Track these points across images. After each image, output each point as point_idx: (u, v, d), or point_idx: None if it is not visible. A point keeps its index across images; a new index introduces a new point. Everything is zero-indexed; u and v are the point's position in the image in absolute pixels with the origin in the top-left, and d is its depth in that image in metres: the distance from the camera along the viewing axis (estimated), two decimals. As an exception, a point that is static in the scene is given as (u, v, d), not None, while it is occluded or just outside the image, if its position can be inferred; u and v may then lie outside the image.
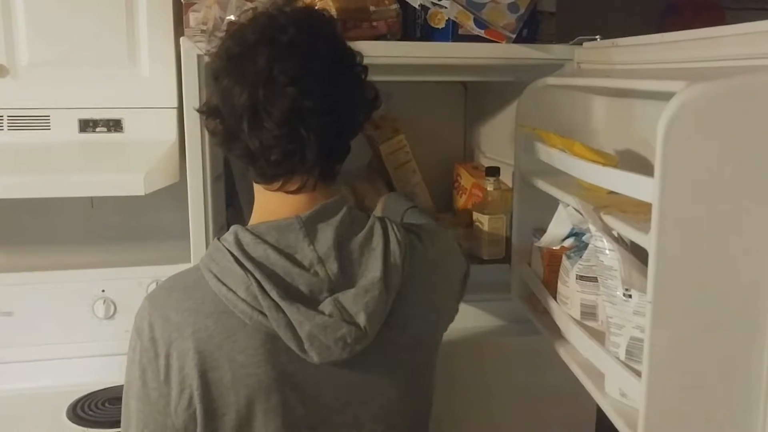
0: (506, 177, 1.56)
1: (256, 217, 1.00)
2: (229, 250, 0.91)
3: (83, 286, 1.66)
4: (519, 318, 1.36)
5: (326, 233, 0.94)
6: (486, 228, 1.47)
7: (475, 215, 1.51)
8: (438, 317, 1.05)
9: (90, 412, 1.52)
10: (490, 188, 1.51)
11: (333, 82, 0.93)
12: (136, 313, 0.96)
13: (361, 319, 0.90)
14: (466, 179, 1.69)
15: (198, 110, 0.99)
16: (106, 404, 1.55)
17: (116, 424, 1.43)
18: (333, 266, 0.92)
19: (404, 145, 1.66)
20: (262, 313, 0.88)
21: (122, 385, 1.55)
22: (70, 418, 1.50)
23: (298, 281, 0.91)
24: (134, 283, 1.67)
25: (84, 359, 1.66)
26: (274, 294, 0.88)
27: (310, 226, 0.94)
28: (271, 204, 0.98)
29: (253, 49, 0.91)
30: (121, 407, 1.48)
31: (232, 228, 0.94)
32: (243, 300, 0.89)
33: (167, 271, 1.63)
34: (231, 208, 1.53)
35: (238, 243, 0.92)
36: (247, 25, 0.95)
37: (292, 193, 0.96)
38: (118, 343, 1.65)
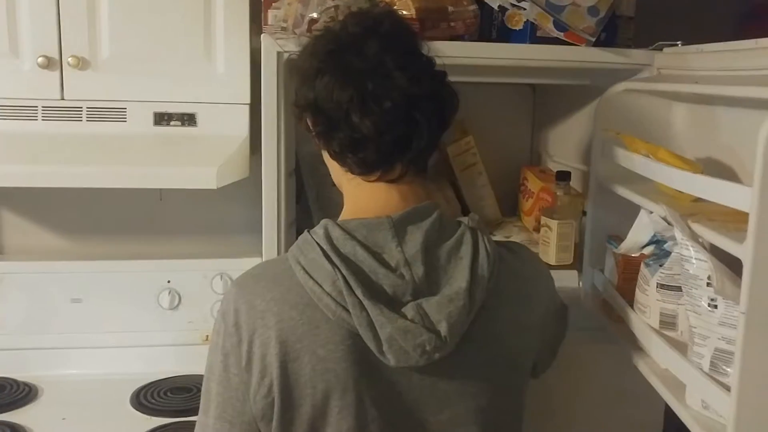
0: (573, 182, 1.54)
1: (346, 213, 1.00)
2: (318, 244, 0.91)
3: (149, 276, 1.70)
4: (587, 325, 1.34)
5: (415, 236, 0.93)
6: (555, 233, 1.45)
7: (544, 220, 1.49)
8: (521, 337, 1.01)
9: (153, 401, 1.55)
10: (560, 193, 1.49)
11: (431, 72, 0.97)
12: (223, 297, 0.97)
13: (443, 328, 0.89)
14: (533, 183, 1.67)
15: (295, 104, 0.99)
16: (168, 394, 1.58)
17: (178, 413, 1.49)
18: (419, 270, 0.92)
19: (472, 147, 1.65)
20: (345, 309, 0.88)
21: (184, 376, 1.61)
22: (133, 406, 1.53)
23: (383, 281, 0.90)
24: (199, 275, 1.71)
25: (148, 348, 1.69)
26: (359, 292, 0.88)
27: (400, 226, 0.94)
28: (362, 199, 0.99)
29: (357, 41, 0.94)
30: (182, 398, 1.54)
31: (323, 222, 0.95)
32: (328, 294, 0.89)
33: (232, 264, 1.69)
34: (299, 205, 1.54)
35: (328, 237, 0.92)
36: (338, 23, 0.97)
37: (391, 182, 0.97)
38: (182, 334, 1.70)
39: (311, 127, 0.99)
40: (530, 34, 1.32)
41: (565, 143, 1.68)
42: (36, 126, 1.48)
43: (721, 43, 1.11)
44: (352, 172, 0.98)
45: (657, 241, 1.11)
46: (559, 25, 1.27)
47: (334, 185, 1.07)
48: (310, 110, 0.97)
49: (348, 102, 0.92)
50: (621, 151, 1.20)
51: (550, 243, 1.47)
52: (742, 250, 0.80)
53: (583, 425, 1.42)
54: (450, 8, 1.29)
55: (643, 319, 1.11)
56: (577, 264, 1.47)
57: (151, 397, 1.56)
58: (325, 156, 1.03)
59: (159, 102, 1.50)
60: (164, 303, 1.69)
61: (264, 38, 1.27)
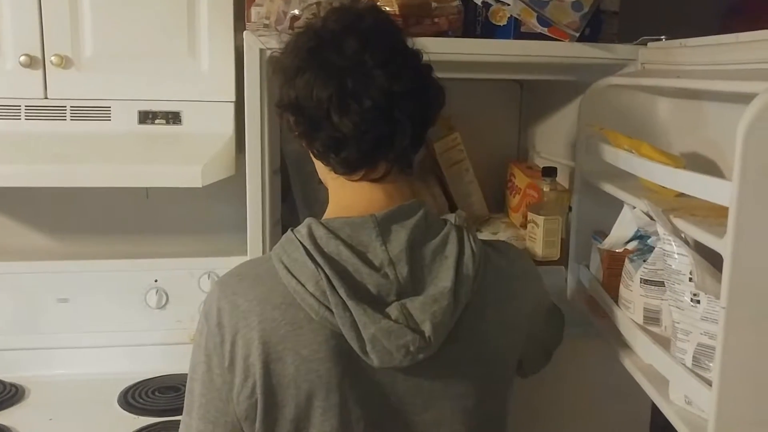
0: (560, 177, 1.54)
1: (331, 211, 1.00)
2: (301, 243, 0.91)
3: (136, 275, 1.69)
4: (573, 321, 1.34)
5: (400, 235, 0.93)
6: (541, 229, 1.45)
7: (530, 216, 1.49)
8: (507, 336, 1.01)
9: (140, 400, 1.55)
10: (546, 189, 1.48)
11: (415, 68, 0.95)
12: (206, 297, 0.97)
13: (427, 328, 0.89)
14: (520, 179, 1.67)
15: (277, 105, 0.98)
16: (156, 393, 1.57)
17: (165, 413, 1.49)
18: (403, 269, 0.91)
19: (458, 144, 1.65)
20: (329, 309, 0.88)
21: (171, 375, 1.61)
22: (121, 405, 1.53)
23: (367, 281, 0.90)
24: (186, 274, 1.70)
25: (136, 347, 1.69)
26: (342, 292, 0.87)
27: (384, 225, 0.93)
28: (346, 198, 0.98)
29: (337, 38, 0.92)
30: (169, 397, 1.53)
31: (306, 220, 0.94)
32: (311, 294, 0.88)
33: (219, 263, 1.68)
34: (285, 203, 1.53)
35: (311, 236, 0.91)
36: (319, 20, 0.96)
37: (375, 181, 0.96)
38: (170, 333, 1.69)
39: (293, 127, 0.98)
40: (514, 30, 1.32)
41: (551, 139, 1.68)
42: (19, 126, 1.47)
43: (704, 38, 1.11)
44: (336, 172, 0.97)
45: (640, 237, 1.11)
46: (542, 21, 1.27)
47: (320, 183, 1.06)
48: (291, 110, 0.95)
49: (328, 100, 0.91)
50: (605, 147, 1.20)
51: (536, 239, 1.47)
52: (722, 245, 0.80)
53: (571, 420, 1.42)
54: (433, 4, 1.29)
55: (628, 315, 1.11)
56: (564, 259, 1.47)
57: (138, 397, 1.56)
58: (311, 154, 1.02)
59: (143, 100, 1.49)
60: (152, 302, 1.69)
61: (246, 35, 1.26)
